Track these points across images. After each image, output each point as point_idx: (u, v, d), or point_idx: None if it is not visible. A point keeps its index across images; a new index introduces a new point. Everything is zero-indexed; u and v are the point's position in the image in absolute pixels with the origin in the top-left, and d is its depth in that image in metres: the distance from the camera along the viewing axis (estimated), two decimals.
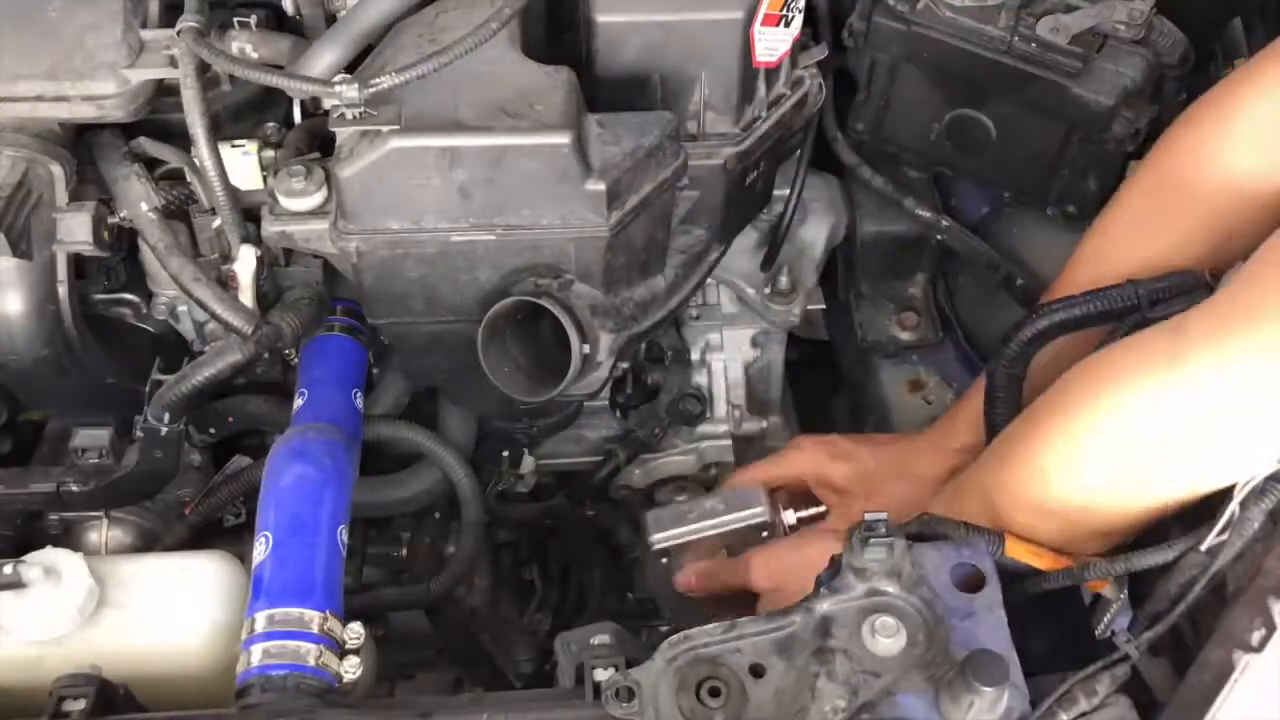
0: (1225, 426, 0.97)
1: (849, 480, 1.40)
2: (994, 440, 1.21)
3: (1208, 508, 1.00)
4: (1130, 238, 1.30)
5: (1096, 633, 1.13)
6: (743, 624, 1.00)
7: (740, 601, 1.34)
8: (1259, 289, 0.97)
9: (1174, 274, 1.18)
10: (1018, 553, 1.07)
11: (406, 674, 1.61)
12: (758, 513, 1.38)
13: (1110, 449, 1.03)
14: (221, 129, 1.27)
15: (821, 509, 1.42)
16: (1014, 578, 1.06)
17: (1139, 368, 1.02)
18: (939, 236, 1.63)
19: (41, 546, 1.15)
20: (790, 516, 1.41)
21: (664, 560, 1.40)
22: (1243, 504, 0.97)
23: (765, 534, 1.39)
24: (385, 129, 1.13)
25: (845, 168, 1.65)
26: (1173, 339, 1.00)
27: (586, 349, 1.21)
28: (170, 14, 1.28)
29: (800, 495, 1.45)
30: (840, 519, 1.38)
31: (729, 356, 1.68)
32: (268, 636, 1.07)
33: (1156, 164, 1.28)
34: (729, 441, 1.64)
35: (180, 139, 1.28)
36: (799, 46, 1.34)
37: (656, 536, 1.40)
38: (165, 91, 1.28)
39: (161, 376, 1.34)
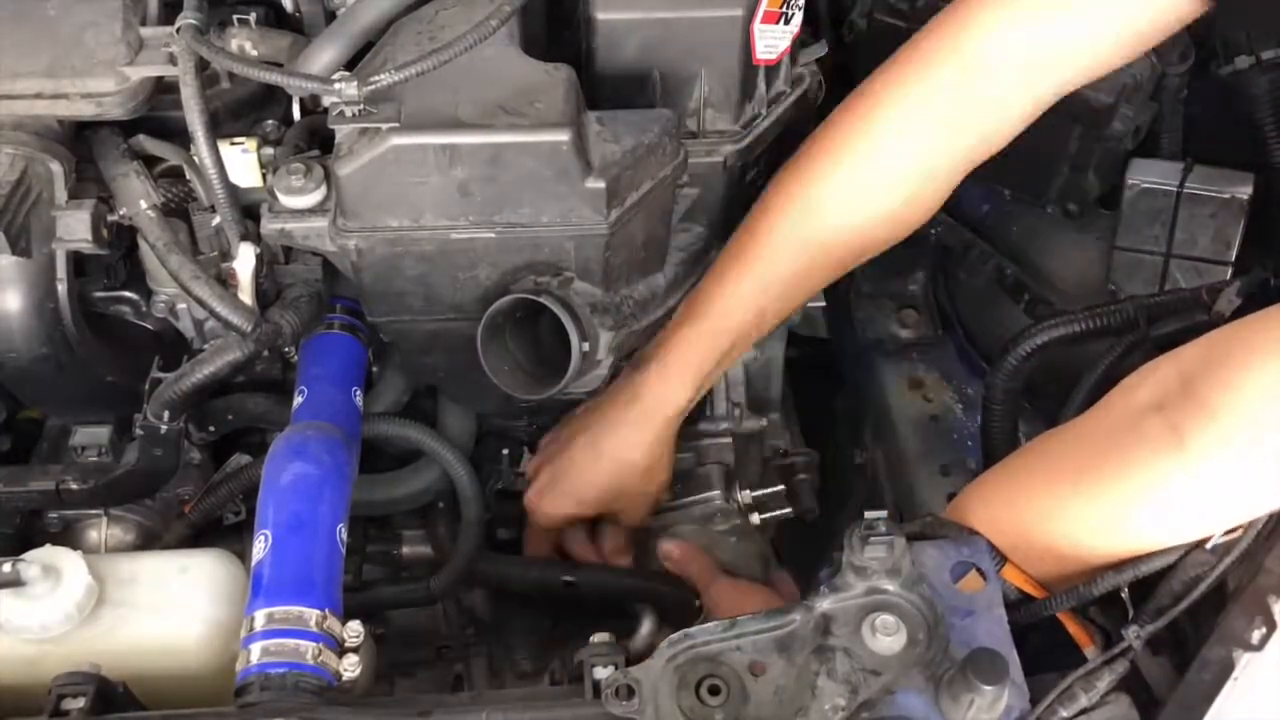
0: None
1: (595, 509, 1.44)
2: (990, 476, 1.17)
3: None
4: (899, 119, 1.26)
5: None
6: (743, 622, 0.99)
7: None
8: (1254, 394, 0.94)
9: (1172, 292, 1.24)
10: (1014, 580, 1.06)
11: (406, 672, 1.60)
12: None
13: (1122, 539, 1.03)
14: (221, 126, 1.26)
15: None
16: (1018, 603, 1.06)
17: (1143, 474, 1.00)
18: (934, 230, 1.62)
19: (41, 544, 1.15)
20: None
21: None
22: None
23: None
24: (384, 126, 1.13)
25: None
26: (1173, 441, 0.97)
27: (586, 346, 1.21)
28: (169, 11, 1.28)
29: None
30: (616, 534, 1.46)
31: None
32: (267, 635, 1.07)
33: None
34: (729, 439, 1.64)
35: (179, 136, 1.27)
36: (799, 44, 1.33)
37: None
38: (164, 89, 1.28)
39: (161, 374, 1.34)
